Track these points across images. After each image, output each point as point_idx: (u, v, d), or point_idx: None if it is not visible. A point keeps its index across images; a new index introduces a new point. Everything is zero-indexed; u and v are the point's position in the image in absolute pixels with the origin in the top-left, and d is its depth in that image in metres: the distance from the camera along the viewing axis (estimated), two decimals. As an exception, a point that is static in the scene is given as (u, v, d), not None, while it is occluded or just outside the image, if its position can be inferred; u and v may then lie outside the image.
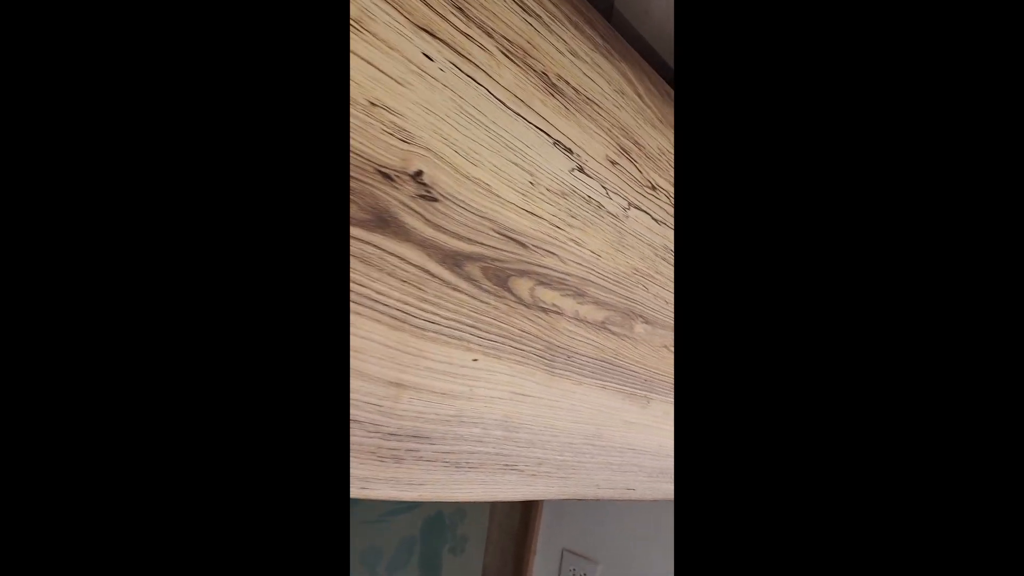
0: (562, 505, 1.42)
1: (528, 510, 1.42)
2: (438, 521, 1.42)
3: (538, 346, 0.40)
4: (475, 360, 0.35)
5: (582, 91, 0.45)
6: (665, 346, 0.52)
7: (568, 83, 0.44)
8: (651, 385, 0.50)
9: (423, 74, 0.34)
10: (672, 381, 0.52)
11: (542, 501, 1.44)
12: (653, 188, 0.52)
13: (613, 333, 0.46)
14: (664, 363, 0.52)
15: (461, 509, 1.43)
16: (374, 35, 0.32)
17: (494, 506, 1.46)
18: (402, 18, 0.33)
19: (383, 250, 0.31)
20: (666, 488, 0.50)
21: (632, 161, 0.50)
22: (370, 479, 0.30)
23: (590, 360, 0.44)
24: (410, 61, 0.33)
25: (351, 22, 0.31)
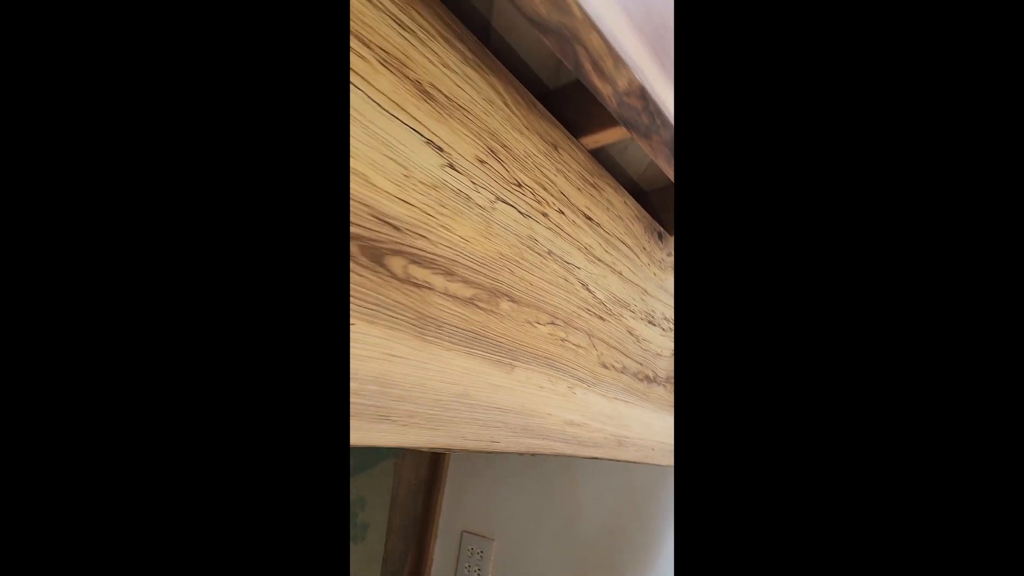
0: (461, 490, 1.48)
1: (429, 496, 1.47)
2: None
3: (410, 315, 0.46)
4: (353, 324, 0.41)
5: (453, 99, 0.52)
6: (528, 322, 0.61)
7: (440, 91, 0.51)
8: (515, 355, 0.58)
9: (303, 76, 0.39)
10: (535, 352, 0.61)
11: (443, 487, 1.50)
12: (519, 185, 0.61)
13: (480, 308, 0.54)
14: (528, 336, 0.60)
15: (362, 497, 1.45)
16: (256, 40, 0.36)
17: (395, 494, 1.50)
18: (283, 27, 0.38)
19: (265, 226, 0.36)
20: (528, 442, 0.59)
21: (500, 161, 0.58)
22: (251, 421, 0.35)
23: (458, 330, 0.51)
24: (291, 64, 0.39)
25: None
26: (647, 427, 0.86)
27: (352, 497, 1.42)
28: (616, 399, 0.77)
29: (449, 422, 0.49)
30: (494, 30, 0.70)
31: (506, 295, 0.58)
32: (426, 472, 1.49)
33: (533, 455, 0.61)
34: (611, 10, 0.47)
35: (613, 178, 0.80)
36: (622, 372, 0.80)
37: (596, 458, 0.73)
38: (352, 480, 1.42)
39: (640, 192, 0.92)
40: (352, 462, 1.44)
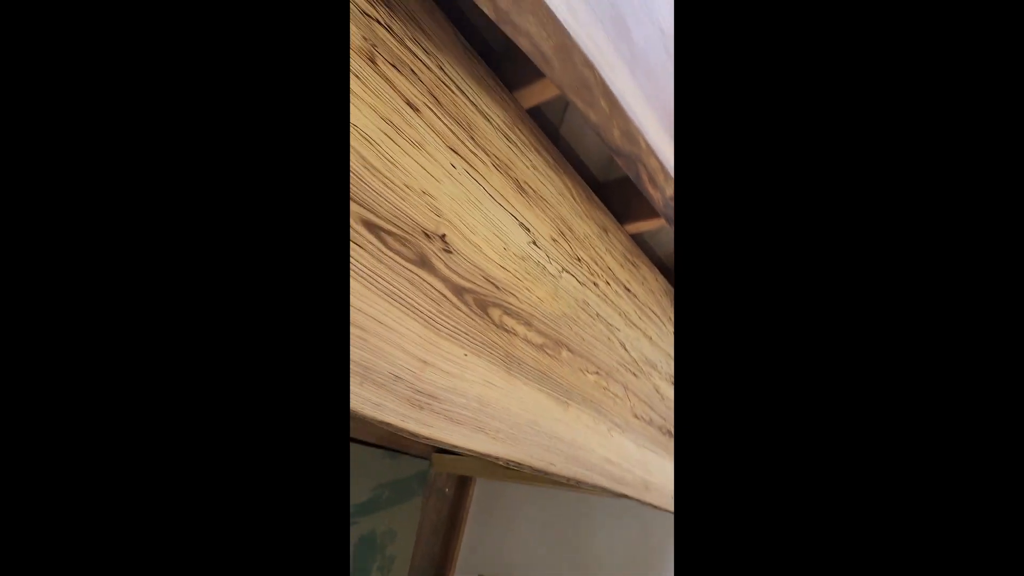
0: (480, 533, 1.55)
1: (449, 537, 1.54)
2: (371, 540, 1.50)
3: (501, 353, 0.60)
4: (465, 355, 0.55)
5: (538, 192, 0.69)
6: (580, 369, 0.74)
7: (530, 186, 0.68)
8: (570, 395, 0.72)
9: (450, 175, 0.56)
10: (584, 395, 0.74)
11: (463, 529, 1.57)
12: (579, 260, 0.76)
13: (548, 354, 0.68)
14: (579, 381, 0.74)
15: (392, 530, 1.52)
16: (427, 154, 0.53)
17: (420, 531, 1.56)
18: (438, 141, 0.55)
19: (421, 279, 0.51)
20: (576, 470, 0.71)
21: (567, 240, 0.74)
22: (406, 416, 0.48)
23: (532, 369, 0.65)
24: (443, 167, 0.55)
25: (414, 143, 0.52)
26: (667, 477, 0.97)
27: (383, 528, 1.49)
28: (644, 447, 0.89)
29: (523, 442, 0.62)
30: (562, 137, 0.88)
31: (565, 346, 0.72)
32: (447, 512, 1.56)
33: (579, 482, 0.72)
34: (664, 141, 0.64)
35: (647, 258, 0.96)
36: (649, 424, 0.92)
37: (625, 495, 0.83)
38: (386, 512, 1.49)
39: (667, 270, 1.08)
40: (386, 494, 1.53)
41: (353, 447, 1.46)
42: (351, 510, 1.44)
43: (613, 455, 0.80)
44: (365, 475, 1.48)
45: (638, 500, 0.87)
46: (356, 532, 1.45)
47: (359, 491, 1.44)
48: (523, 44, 0.47)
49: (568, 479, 0.70)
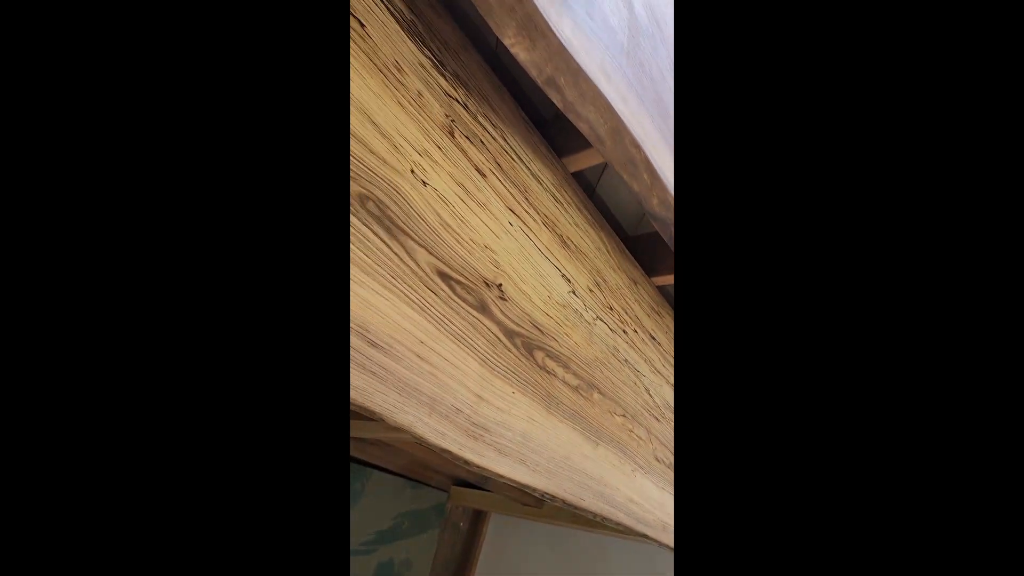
0: (491, 571, 1.56)
1: (462, 573, 1.55)
2: (388, 568, 1.52)
3: (542, 392, 0.66)
4: (513, 393, 0.61)
5: (578, 246, 0.76)
6: (609, 411, 0.80)
7: (572, 241, 0.75)
8: (600, 435, 0.77)
9: (508, 231, 0.63)
10: (611, 435, 0.79)
11: (475, 568, 1.58)
12: (611, 309, 0.83)
13: (582, 395, 0.74)
14: (608, 422, 0.79)
15: (408, 559, 1.54)
16: (490, 213, 0.61)
17: (434, 563, 1.58)
18: (499, 202, 0.63)
19: (481, 323, 0.58)
20: (602, 507, 0.75)
21: (601, 291, 0.81)
22: (463, 445, 0.54)
23: (568, 409, 0.71)
24: (502, 224, 0.63)
25: (480, 204, 0.60)
26: (684, 521, 1.00)
27: (401, 557, 1.51)
28: (664, 490, 0.93)
29: (558, 476, 0.67)
30: (597, 193, 0.96)
31: (597, 388, 0.77)
32: (460, 547, 1.58)
33: (604, 519, 0.76)
34: (696, 207, 0.71)
35: (671, 309, 1.02)
36: (669, 467, 0.96)
37: (646, 536, 0.87)
38: (405, 542, 1.52)
39: (689, 320, 1.14)
40: (406, 524, 1.56)
41: (378, 475, 1.49)
42: (372, 537, 1.47)
43: (636, 495, 0.84)
44: (389, 503, 1.51)
45: (656, 541, 0.91)
46: (375, 559, 1.48)
47: (382, 519, 1.47)
48: (583, 128, 0.54)
49: (595, 515, 0.75)
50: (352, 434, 1.08)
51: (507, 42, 0.45)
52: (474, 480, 1.54)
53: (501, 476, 0.59)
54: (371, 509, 1.50)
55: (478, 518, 1.68)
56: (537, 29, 0.45)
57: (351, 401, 0.45)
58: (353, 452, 1.31)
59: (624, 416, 0.83)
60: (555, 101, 0.51)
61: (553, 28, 0.45)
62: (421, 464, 1.48)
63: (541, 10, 0.43)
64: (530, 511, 1.46)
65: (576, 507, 0.71)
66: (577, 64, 0.48)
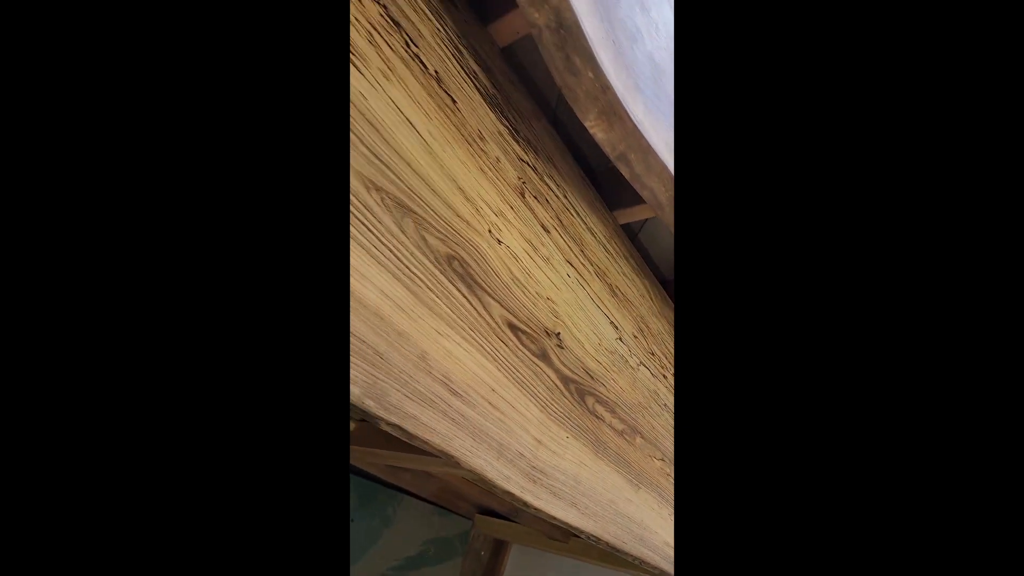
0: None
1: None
2: None
3: (591, 437, 0.69)
4: (567, 437, 0.65)
5: (625, 295, 0.80)
6: (650, 455, 0.82)
7: (620, 289, 0.79)
8: (641, 479, 0.79)
9: (566, 282, 0.67)
10: (651, 479, 0.82)
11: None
12: (653, 354, 0.86)
13: (626, 440, 0.77)
14: (648, 466, 0.82)
15: None
16: (552, 266, 0.65)
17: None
18: (560, 256, 0.67)
19: (541, 370, 0.62)
20: (641, 550, 0.77)
21: (644, 337, 0.84)
22: (524, 488, 0.57)
23: (614, 453, 0.74)
24: (562, 276, 0.67)
25: (544, 258, 0.64)
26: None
27: None
28: (696, 533, 0.95)
29: (603, 518, 0.70)
30: (639, 238, 1.00)
31: (639, 433, 0.80)
32: (482, 578, 1.59)
33: (643, 562, 0.79)
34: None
35: (707, 353, 1.04)
36: (701, 511, 0.97)
37: (680, 579, 0.89)
38: (430, 569, 1.53)
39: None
40: (432, 551, 1.57)
41: (408, 500, 1.51)
42: (400, 563, 1.48)
43: (672, 539, 0.86)
44: (417, 529, 1.52)
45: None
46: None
47: (410, 545, 1.49)
48: (646, 195, 0.59)
49: (635, 558, 0.77)
50: (396, 463, 1.11)
51: (587, 124, 0.50)
52: (501, 510, 1.56)
53: (554, 518, 0.62)
54: (400, 535, 1.52)
55: (499, 548, 1.69)
56: (616, 114, 0.49)
57: (431, 444, 0.48)
58: (387, 477, 1.34)
59: (663, 460, 0.86)
60: (623, 173, 0.56)
61: (629, 112, 0.50)
62: (450, 491, 1.50)
63: (621, 98, 0.48)
64: (555, 544, 1.47)
65: (618, 550, 0.73)
66: (647, 142, 0.53)
